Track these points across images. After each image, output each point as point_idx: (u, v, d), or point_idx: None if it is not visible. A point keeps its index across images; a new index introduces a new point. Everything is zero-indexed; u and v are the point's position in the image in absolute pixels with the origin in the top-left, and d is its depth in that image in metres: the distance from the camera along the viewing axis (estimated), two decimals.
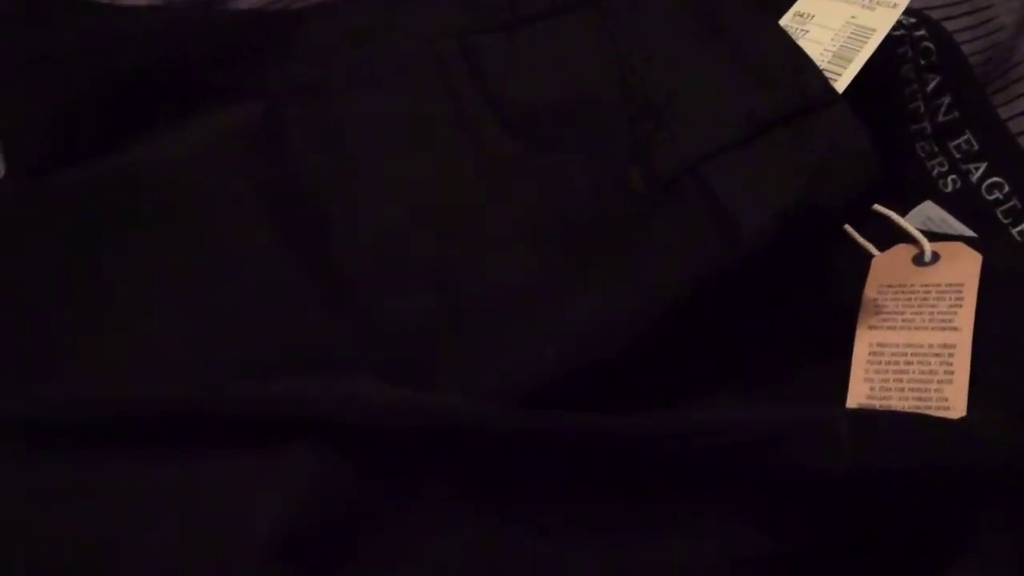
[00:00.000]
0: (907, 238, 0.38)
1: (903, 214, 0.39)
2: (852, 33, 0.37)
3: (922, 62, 0.41)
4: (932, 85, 0.42)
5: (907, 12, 0.41)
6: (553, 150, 0.36)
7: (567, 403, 0.31)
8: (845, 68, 0.36)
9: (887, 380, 0.35)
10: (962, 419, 0.33)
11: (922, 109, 0.42)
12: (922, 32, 0.41)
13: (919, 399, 0.34)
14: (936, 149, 0.42)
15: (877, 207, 0.37)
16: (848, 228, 0.37)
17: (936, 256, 0.37)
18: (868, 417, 0.32)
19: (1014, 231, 0.40)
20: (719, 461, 0.30)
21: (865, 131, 0.33)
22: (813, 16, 0.38)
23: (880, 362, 0.35)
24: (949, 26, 0.43)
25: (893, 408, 0.34)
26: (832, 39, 0.37)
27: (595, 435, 0.30)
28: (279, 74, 0.42)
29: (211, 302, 0.36)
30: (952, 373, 0.35)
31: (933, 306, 0.36)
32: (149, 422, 0.31)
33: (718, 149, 0.34)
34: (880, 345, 0.36)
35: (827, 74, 0.35)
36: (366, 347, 0.34)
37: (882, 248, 0.38)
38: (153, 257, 0.37)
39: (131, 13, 0.45)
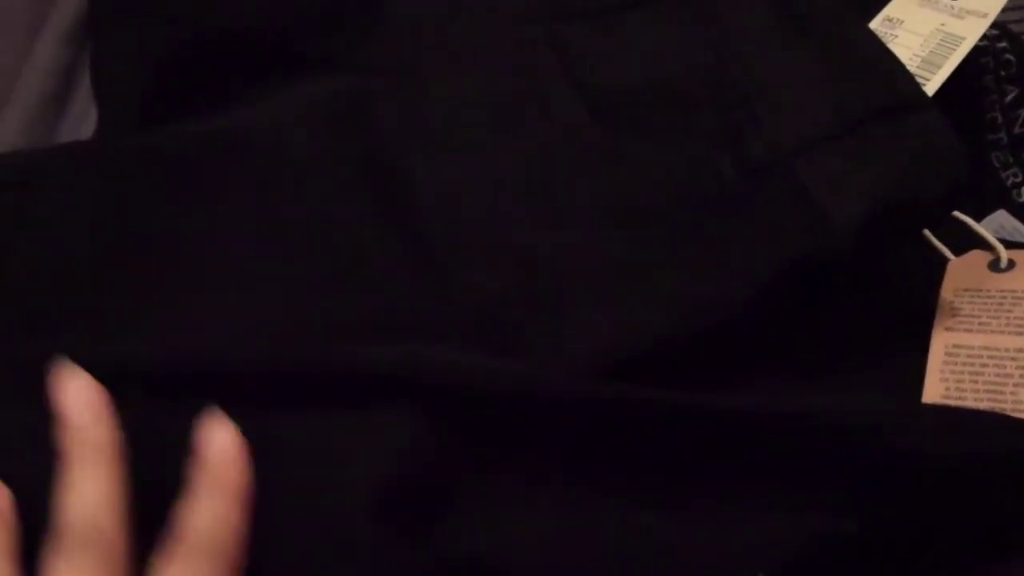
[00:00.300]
0: (982, 244, 0.38)
1: (977, 221, 0.40)
2: (941, 40, 0.38)
3: (1002, 73, 0.42)
4: (1011, 97, 0.42)
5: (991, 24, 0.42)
6: (640, 135, 0.37)
7: (648, 381, 0.32)
8: (934, 74, 0.37)
9: (962, 381, 0.36)
10: None
11: (1000, 120, 0.42)
12: (1004, 44, 0.42)
13: (994, 401, 0.35)
14: (1011, 160, 0.42)
15: (954, 212, 0.38)
16: (926, 232, 0.38)
17: (1012, 263, 0.38)
18: (950, 410, 0.33)
19: None
20: (808, 443, 0.31)
21: (954, 131, 0.34)
22: (903, 21, 0.38)
23: (956, 363, 0.36)
24: None
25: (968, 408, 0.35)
26: (921, 45, 0.38)
27: (685, 412, 0.31)
28: (368, 48, 0.42)
29: (300, 265, 0.36)
30: None
31: (1009, 311, 0.36)
32: (249, 380, 0.32)
33: (809, 142, 0.35)
34: (956, 346, 0.36)
35: (916, 78, 0.36)
36: (453, 317, 0.35)
37: (956, 253, 0.39)
38: (243, 219, 0.37)
39: None
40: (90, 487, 0.28)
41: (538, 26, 0.40)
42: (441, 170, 0.38)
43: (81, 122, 0.48)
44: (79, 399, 0.30)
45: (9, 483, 0.29)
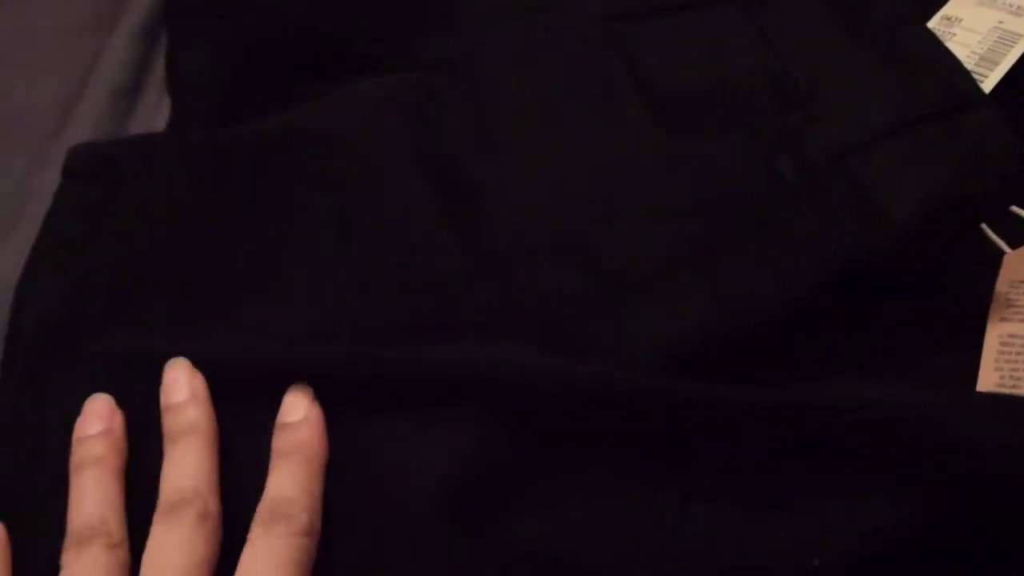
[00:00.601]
0: None
1: None
2: (999, 38, 0.38)
3: None
4: None
5: None
6: (701, 136, 0.38)
7: (705, 378, 0.33)
8: (992, 71, 0.38)
9: (1017, 369, 0.36)
10: None
11: None
12: None
13: None
14: None
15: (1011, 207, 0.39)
16: (983, 225, 0.39)
17: None
18: (1005, 397, 0.34)
19: None
20: (864, 434, 0.32)
21: (1012, 130, 0.35)
22: (961, 20, 0.39)
23: (1010, 352, 0.37)
24: None
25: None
26: (979, 43, 0.38)
27: (748, 407, 0.32)
28: (432, 47, 0.43)
29: (367, 263, 0.37)
30: None
31: None
32: (320, 380, 0.33)
33: (867, 141, 0.35)
34: (1011, 336, 0.37)
35: (974, 75, 0.37)
36: (516, 316, 0.36)
37: (1013, 247, 0.39)
38: (311, 216, 0.38)
39: None
40: (189, 460, 0.30)
41: (600, 26, 0.41)
42: (505, 169, 0.39)
43: (154, 115, 0.49)
44: (180, 382, 0.31)
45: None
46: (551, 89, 0.40)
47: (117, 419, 0.32)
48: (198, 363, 0.33)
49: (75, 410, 0.33)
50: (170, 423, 0.31)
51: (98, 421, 0.32)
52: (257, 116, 0.42)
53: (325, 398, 0.33)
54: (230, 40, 0.44)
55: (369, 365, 0.33)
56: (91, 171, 0.40)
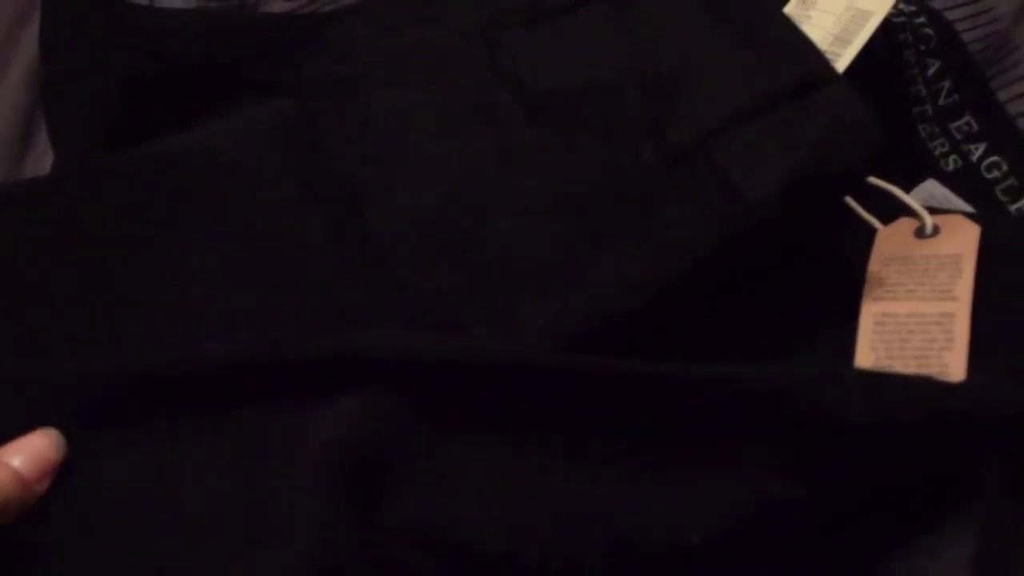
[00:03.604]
0: (910, 213, 0.39)
1: (907, 192, 0.40)
2: (852, 17, 0.38)
3: (922, 48, 0.43)
4: (932, 70, 0.43)
5: (907, 1, 0.43)
6: (572, 132, 0.38)
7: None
8: (846, 49, 0.38)
9: (891, 348, 0.36)
10: (965, 381, 0.34)
11: (923, 92, 0.43)
12: (922, 19, 0.43)
13: (921, 366, 0.36)
14: (937, 130, 0.43)
15: (880, 182, 0.39)
16: (853, 203, 0.39)
17: (936, 229, 0.38)
18: (875, 374, 0.34)
19: (1012, 208, 0.42)
20: (739, 409, 0.32)
21: (865, 105, 0.35)
22: (816, 2, 0.39)
23: (884, 331, 0.37)
24: (949, 15, 0.44)
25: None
26: (834, 23, 0.39)
27: (631, 377, 0.32)
28: (311, 70, 0.44)
29: (254, 274, 0.37)
30: (952, 340, 0.36)
31: (934, 277, 0.37)
32: (208, 378, 0.33)
33: (725, 124, 0.36)
34: (885, 315, 0.37)
35: (829, 55, 0.37)
36: (401, 315, 0.36)
37: (887, 224, 0.39)
38: (198, 234, 0.38)
39: (172, 14, 0.48)
40: None
41: (475, 36, 0.42)
42: (385, 177, 0.39)
43: (43, 159, 0.49)
44: None
45: None
46: (427, 101, 0.41)
47: None
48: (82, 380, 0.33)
49: None
50: None
51: None
52: (144, 142, 0.42)
53: (214, 389, 0.33)
54: (109, 68, 0.44)
55: (257, 351, 0.34)
56: None
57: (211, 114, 0.43)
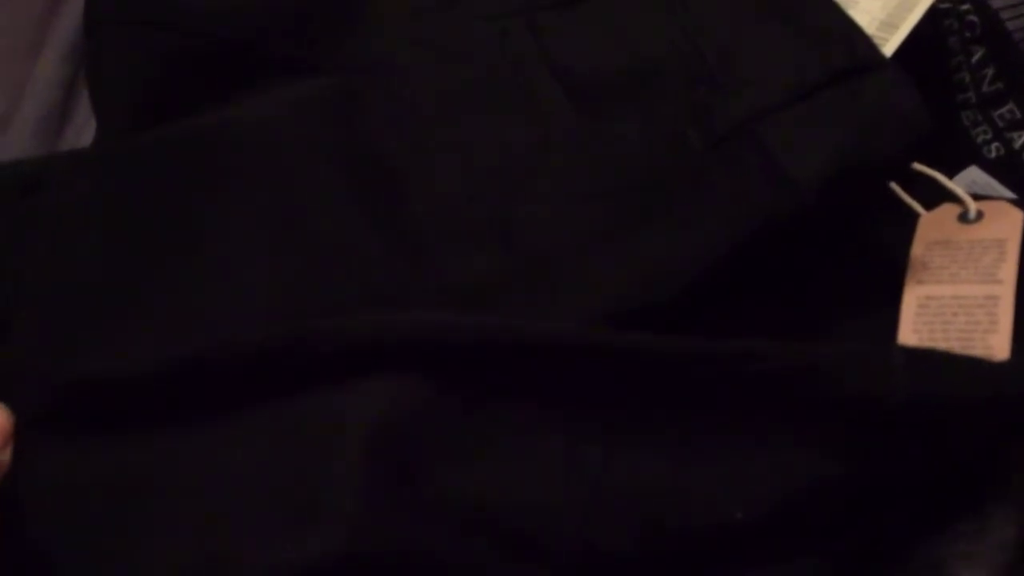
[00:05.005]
0: (953, 198, 0.39)
1: (950, 179, 0.40)
2: (899, 2, 0.39)
3: (967, 35, 0.43)
4: (977, 57, 0.43)
5: None
6: (613, 115, 0.38)
7: None
8: (892, 34, 0.38)
9: (934, 331, 0.36)
10: (1010, 360, 0.34)
11: (967, 80, 0.43)
12: (967, 6, 0.43)
13: (965, 348, 0.36)
14: (980, 118, 0.43)
15: (924, 168, 0.39)
16: (897, 189, 0.39)
17: (980, 214, 0.38)
18: (922, 351, 0.34)
19: None
20: (780, 386, 0.32)
21: (914, 90, 0.35)
22: None
23: (927, 314, 0.37)
24: (993, 3, 0.44)
25: None
26: (881, 7, 0.39)
27: (663, 354, 0.32)
28: (350, 49, 0.43)
29: (291, 253, 0.37)
30: (996, 323, 0.36)
31: (978, 260, 0.37)
32: (242, 362, 0.33)
33: (771, 108, 0.36)
34: (928, 298, 0.37)
35: (876, 40, 0.37)
36: (437, 295, 0.36)
37: (929, 209, 0.39)
38: (238, 210, 0.38)
39: None
40: None
41: (513, 17, 0.42)
42: (425, 159, 0.39)
43: (82, 132, 0.49)
44: None
45: None
46: (468, 81, 0.41)
47: None
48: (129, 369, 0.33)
49: None
50: None
51: None
52: (185, 118, 0.42)
53: (254, 373, 0.33)
54: (151, 46, 0.44)
55: (294, 335, 0.33)
56: (20, 185, 0.40)
57: (248, 93, 0.43)
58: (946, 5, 0.43)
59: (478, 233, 0.37)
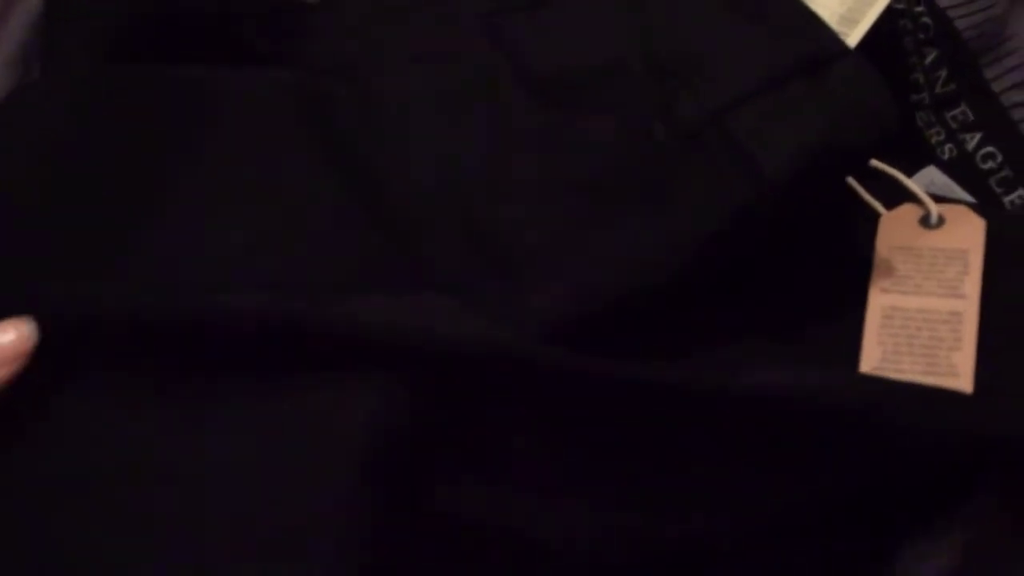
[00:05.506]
0: (912, 199, 0.38)
1: (908, 178, 0.39)
2: None
3: (920, 36, 0.42)
4: (930, 58, 0.42)
5: None
6: (579, 112, 0.38)
7: (599, 346, 0.33)
8: (852, 29, 0.37)
9: (899, 344, 0.35)
10: (975, 394, 0.34)
11: (921, 80, 0.42)
12: (920, 8, 0.42)
13: (929, 364, 0.35)
14: (934, 119, 0.42)
15: (884, 167, 0.38)
16: (856, 186, 0.38)
17: (941, 219, 0.37)
18: (889, 382, 0.34)
19: (1006, 200, 0.41)
20: (753, 411, 0.32)
21: (879, 76, 0.34)
22: None
23: (892, 326, 0.36)
24: (943, 2, 0.43)
25: (904, 372, 0.35)
26: (840, 3, 0.37)
27: (644, 380, 0.32)
28: (318, 47, 0.43)
29: (267, 214, 0.36)
30: (960, 340, 0.35)
31: (941, 272, 0.36)
32: (225, 332, 0.32)
33: (739, 99, 0.35)
34: (893, 308, 0.36)
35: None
36: (412, 284, 0.36)
37: (889, 208, 0.38)
38: (215, 159, 0.37)
39: None
40: None
41: (479, 20, 0.41)
42: (399, 157, 0.38)
43: None
44: None
45: None
46: (435, 82, 0.40)
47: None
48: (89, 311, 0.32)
49: None
50: None
51: None
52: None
53: (239, 351, 0.32)
54: (109, 17, 0.42)
55: (282, 316, 0.32)
56: None
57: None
58: (901, 6, 0.41)
59: (453, 230, 0.37)
